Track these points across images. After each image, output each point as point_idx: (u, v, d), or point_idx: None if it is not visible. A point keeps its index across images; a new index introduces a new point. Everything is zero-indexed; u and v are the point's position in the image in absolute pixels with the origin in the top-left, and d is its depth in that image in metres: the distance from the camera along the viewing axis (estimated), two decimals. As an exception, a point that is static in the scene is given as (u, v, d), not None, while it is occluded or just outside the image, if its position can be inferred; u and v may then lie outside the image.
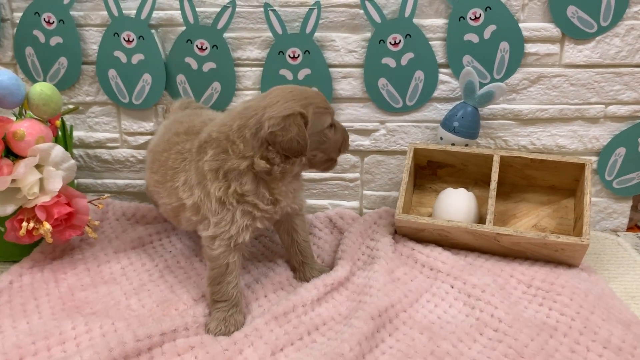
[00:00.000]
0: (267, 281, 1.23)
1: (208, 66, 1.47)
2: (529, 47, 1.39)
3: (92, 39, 1.48)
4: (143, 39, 1.46)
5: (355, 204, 1.57)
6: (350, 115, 1.48)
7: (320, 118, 1.08)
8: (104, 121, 1.55)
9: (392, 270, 1.25)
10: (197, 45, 1.46)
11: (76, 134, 1.56)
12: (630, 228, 1.53)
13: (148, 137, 1.53)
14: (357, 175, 1.55)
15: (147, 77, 1.49)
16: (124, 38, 1.46)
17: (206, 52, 1.46)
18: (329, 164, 1.15)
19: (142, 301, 1.16)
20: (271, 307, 1.12)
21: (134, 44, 1.46)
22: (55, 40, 1.47)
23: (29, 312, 1.13)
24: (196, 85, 1.49)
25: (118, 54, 1.47)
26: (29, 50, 1.48)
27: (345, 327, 1.05)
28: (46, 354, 1.00)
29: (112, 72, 1.49)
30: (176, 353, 1.00)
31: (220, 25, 1.43)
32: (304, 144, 1.04)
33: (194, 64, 1.47)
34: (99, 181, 1.61)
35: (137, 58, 1.47)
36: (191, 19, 1.43)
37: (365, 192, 1.56)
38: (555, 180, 1.38)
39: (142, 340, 0.99)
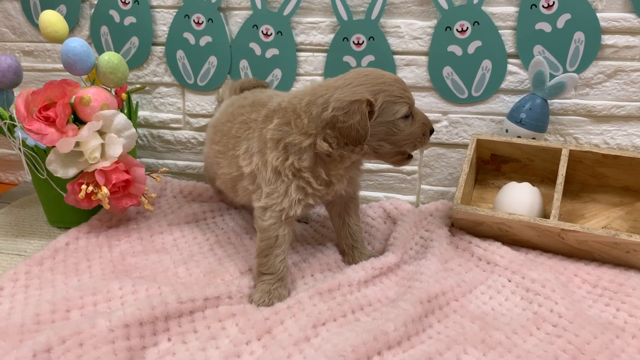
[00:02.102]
0: (314, 261, 1.20)
1: (271, 52, 1.48)
2: (607, 39, 1.31)
3: (163, 20, 1.52)
4: (212, 21, 1.48)
5: (411, 198, 1.53)
6: (411, 104, 1.44)
7: (392, 107, 1.02)
8: (169, 102, 1.59)
9: (445, 261, 1.19)
10: (262, 31, 1.47)
11: (141, 113, 1.61)
12: None
13: (210, 119, 1.55)
14: (416, 168, 1.50)
15: (212, 59, 1.51)
16: (194, 20, 1.49)
17: (271, 38, 1.47)
18: (398, 157, 1.09)
19: (190, 270, 1.17)
20: (316, 283, 1.09)
21: (203, 26, 1.49)
22: (129, 20, 1.53)
23: (81, 271, 1.16)
24: (258, 71, 1.50)
25: (187, 35, 1.51)
26: (103, 29, 1.55)
27: (391, 308, 1.00)
28: (92, 308, 1.02)
29: (180, 53, 1.53)
30: (217, 319, 0.99)
31: (286, 12, 1.44)
32: (363, 133, 1.00)
33: (257, 50, 1.49)
34: (160, 161, 1.65)
35: (205, 40, 1.50)
36: (259, 4, 1.44)
37: (423, 186, 1.51)
38: (630, 180, 1.28)
39: (185, 303, 0.99)
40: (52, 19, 1.25)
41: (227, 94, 1.42)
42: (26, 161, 1.27)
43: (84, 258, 1.20)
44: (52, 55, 1.62)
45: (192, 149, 1.62)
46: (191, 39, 1.51)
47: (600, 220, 1.29)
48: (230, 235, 1.32)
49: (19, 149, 1.22)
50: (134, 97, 1.56)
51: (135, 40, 1.54)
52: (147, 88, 1.58)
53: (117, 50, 1.55)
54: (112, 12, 1.53)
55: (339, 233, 1.24)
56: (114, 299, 1.04)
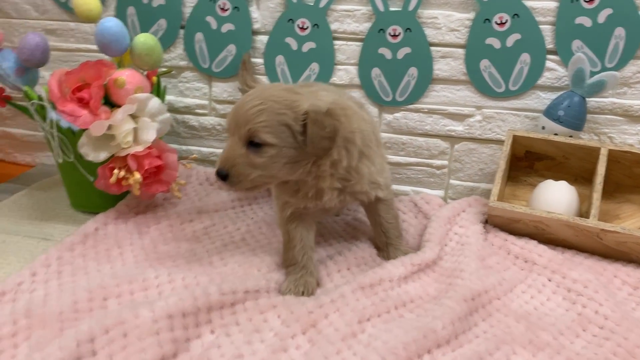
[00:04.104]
0: (350, 255, 1.18)
1: (308, 46, 1.44)
2: (648, 38, 1.29)
3: (191, 2, 1.48)
4: (238, 10, 1.45)
5: (439, 193, 1.51)
6: (444, 97, 1.42)
7: None
8: (195, 87, 1.55)
9: (483, 258, 1.18)
10: (298, 25, 1.43)
11: (167, 97, 1.57)
12: None
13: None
14: (445, 162, 1.48)
15: (231, 47, 1.48)
16: (219, 6, 1.45)
17: (307, 32, 1.43)
18: None
19: (224, 260, 1.14)
20: (356, 277, 1.07)
21: (228, 12, 1.45)
22: (157, 2, 1.48)
23: (113, 258, 1.13)
24: (295, 66, 1.47)
25: (209, 19, 1.47)
26: (130, 10, 1.50)
27: (436, 306, 0.99)
28: (129, 297, 0.99)
29: (199, 36, 1.48)
30: (259, 311, 0.97)
31: (322, 4, 1.40)
32: None
33: (294, 44, 1.45)
34: (184, 147, 1.62)
35: (227, 27, 1.47)
36: (294, -3, 1.41)
37: (452, 181, 1.49)
38: (668, 182, 1.28)
39: (226, 295, 0.97)
40: (85, -3, 1.21)
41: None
42: (58, 144, 1.23)
43: (115, 245, 1.17)
44: (76, 34, 1.57)
45: (216, 135, 1.59)
46: (213, 24, 1.47)
47: (635, 222, 1.28)
48: (261, 225, 1.29)
49: (50, 132, 1.18)
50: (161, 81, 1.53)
51: (163, 22, 1.50)
52: (173, 72, 1.54)
53: (143, 32, 1.51)
54: (141, -7, 1.49)
55: (374, 229, 1.22)
56: (150, 287, 1.02)
